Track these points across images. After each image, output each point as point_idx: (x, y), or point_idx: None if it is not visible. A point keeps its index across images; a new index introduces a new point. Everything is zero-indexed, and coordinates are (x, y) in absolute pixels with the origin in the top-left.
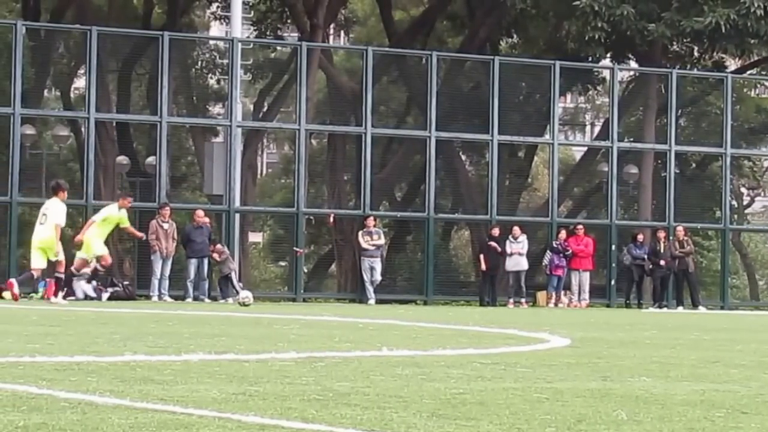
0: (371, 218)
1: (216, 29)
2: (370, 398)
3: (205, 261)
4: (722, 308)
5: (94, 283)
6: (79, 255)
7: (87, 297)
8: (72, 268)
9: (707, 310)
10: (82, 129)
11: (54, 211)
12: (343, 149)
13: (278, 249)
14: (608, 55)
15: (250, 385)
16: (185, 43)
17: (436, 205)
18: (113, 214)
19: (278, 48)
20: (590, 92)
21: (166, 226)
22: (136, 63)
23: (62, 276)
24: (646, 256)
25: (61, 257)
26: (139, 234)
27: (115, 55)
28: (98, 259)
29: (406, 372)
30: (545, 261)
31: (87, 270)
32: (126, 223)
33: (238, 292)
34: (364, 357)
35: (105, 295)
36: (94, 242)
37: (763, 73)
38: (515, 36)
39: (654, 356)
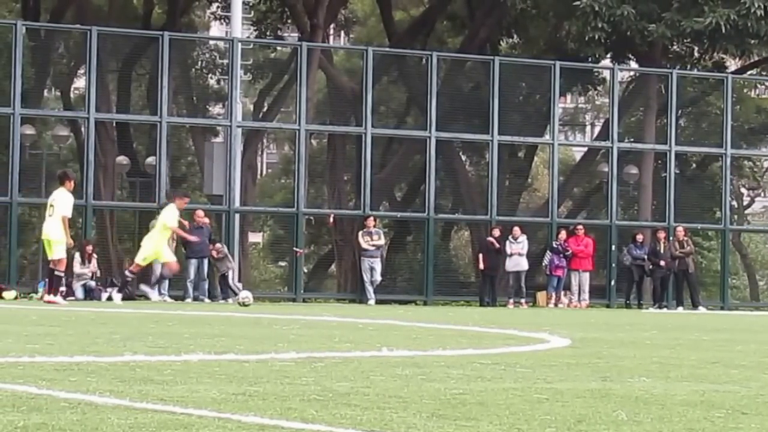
0: (371, 218)
1: (216, 29)
2: (370, 398)
3: (205, 261)
4: (722, 308)
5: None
6: (159, 262)
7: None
8: (162, 273)
9: (707, 311)
10: (82, 129)
11: (60, 202)
12: (343, 149)
13: (278, 249)
14: (608, 55)
15: (250, 385)
16: (185, 43)
17: (436, 206)
18: (176, 214)
19: (278, 48)
20: (590, 92)
21: None
22: (136, 63)
23: (62, 275)
24: (646, 257)
25: (63, 255)
26: (192, 238)
27: (115, 55)
28: (164, 264)
29: (406, 372)
30: (545, 261)
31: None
32: None
33: (236, 293)
34: (364, 357)
35: (117, 296)
36: (160, 248)
37: (763, 73)
38: (515, 36)
39: (654, 356)
